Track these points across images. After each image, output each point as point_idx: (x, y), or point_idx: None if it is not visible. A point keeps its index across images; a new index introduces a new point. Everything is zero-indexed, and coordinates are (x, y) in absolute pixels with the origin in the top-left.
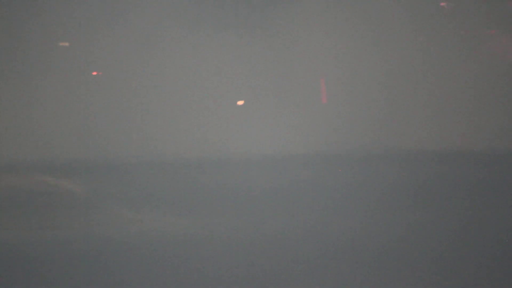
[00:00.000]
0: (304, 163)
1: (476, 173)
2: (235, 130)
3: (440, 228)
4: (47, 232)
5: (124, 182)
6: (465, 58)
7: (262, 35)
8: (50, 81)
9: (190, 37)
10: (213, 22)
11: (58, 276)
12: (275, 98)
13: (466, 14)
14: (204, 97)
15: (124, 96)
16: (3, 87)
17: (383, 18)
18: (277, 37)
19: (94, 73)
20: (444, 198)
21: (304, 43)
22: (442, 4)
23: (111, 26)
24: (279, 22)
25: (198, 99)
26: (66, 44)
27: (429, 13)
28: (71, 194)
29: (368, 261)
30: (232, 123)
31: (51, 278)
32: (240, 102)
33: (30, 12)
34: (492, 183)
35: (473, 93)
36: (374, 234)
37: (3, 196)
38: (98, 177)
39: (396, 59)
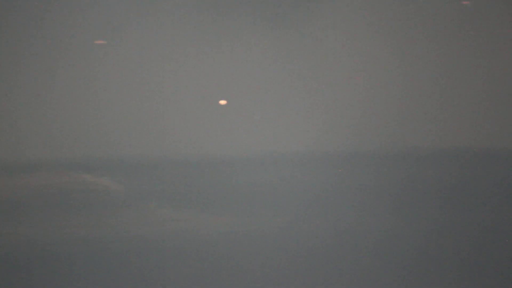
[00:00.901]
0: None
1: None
2: (265, 128)
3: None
4: (82, 230)
5: (161, 181)
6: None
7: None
8: (82, 78)
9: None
10: (214, 25)
11: (94, 274)
12: (306, 98)
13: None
14: (233, 97)
15: (158, 95)
16: (40, 84)
17: (393, 17)
18: (286, 36)
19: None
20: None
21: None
22: (465, 2)
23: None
24: (282, 21)
25: (229, 99)
26: (102, 42)
27: (447, 13)
28: (109, 192)
29: (371, 258)
30: (259, 122)
31: (87, 275)
32: (223, 102)
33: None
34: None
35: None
36: (391, 232)
37: (39, 195)
38: (135, 175)
39: (412, 60)
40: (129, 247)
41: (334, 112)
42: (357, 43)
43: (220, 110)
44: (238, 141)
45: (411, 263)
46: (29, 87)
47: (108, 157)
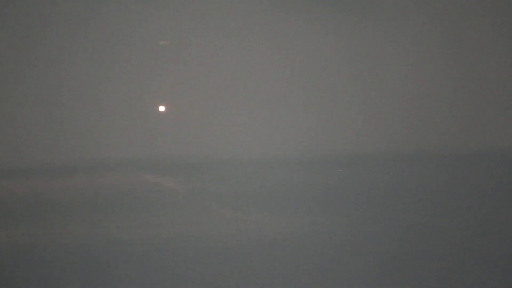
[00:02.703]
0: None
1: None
2: (323, 128)
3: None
4: (145, 230)
5: (222, 181)
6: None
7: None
8: (145, 79)
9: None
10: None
11: (156, 273)
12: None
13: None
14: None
15: (221, 95)
16: (99, 85)
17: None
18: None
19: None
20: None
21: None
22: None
23: None
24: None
25: (287, 100)
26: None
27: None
28: (172, 193)
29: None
30: (313, 122)
31: (150, 275)
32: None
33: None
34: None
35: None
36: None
37: (104, 195)
38: (198, 175)
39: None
40: (190, 246)
41: (343, 115)
42: (359, 46)
43: (277, 112)
44: (297, 142)
45: (414, 263)
46: (89, 88)
47: (170, 157)
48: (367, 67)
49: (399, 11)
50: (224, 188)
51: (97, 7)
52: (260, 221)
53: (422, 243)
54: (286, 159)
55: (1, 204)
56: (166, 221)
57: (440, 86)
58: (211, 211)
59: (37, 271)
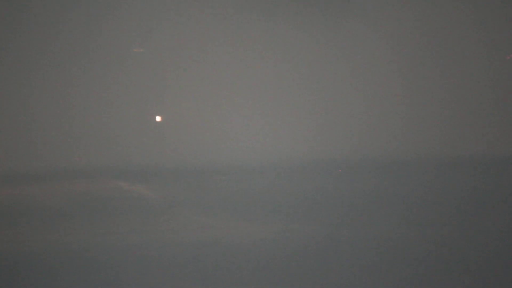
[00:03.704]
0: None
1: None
2: (304, 135)
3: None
4: (117, 236)
5: (197, 188)
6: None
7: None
8: (118, 87)
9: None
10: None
11: (127, 280)
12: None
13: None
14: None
15: (196, 105)
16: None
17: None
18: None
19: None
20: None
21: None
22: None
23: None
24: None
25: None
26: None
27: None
28: (145, 200)
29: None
30: (298, 128)
31: (119, 282)
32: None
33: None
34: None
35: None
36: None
37: (75, 202)
38: (171, 183)
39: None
40: (164, 253)
41: (344, 120)
42: (359, 49)
43: (249, 121)
44: (271, 149)
45: (412, 269)
46: (59, 96)
47: (144, 165)
48: (354, 73)
49: (398, 16)
50: (197, 195)
51: (99, 9)
52: (233, 228)
53: (400, 251)
54: (262, 167)
55: None
56: (138, 228)
57: (428, 92)
58: (183, 218)
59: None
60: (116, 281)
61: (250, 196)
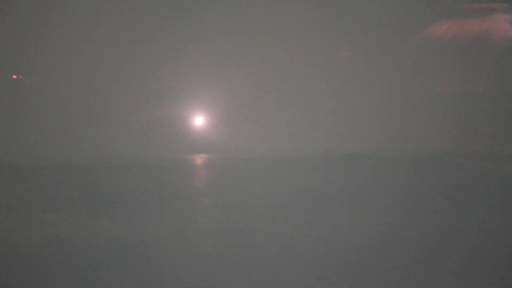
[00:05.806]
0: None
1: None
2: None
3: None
4: None
5: (45, 186)
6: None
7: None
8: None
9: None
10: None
11: None
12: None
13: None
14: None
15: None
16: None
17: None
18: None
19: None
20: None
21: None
22: None
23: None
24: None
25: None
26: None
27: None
28: None
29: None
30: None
31: None
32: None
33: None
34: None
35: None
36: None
37: None
38: (20, 181)
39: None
40: (9, 252)
41: (339, 116)
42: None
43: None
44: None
45: (409, 263)
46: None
47: None
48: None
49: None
50: (46, 192)
51: (101, 8)
52: (78, 226)
53: (420, 243)
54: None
55: None
56: None
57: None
58: (31, 216)
59: None
60: None
61: (97, 194)
